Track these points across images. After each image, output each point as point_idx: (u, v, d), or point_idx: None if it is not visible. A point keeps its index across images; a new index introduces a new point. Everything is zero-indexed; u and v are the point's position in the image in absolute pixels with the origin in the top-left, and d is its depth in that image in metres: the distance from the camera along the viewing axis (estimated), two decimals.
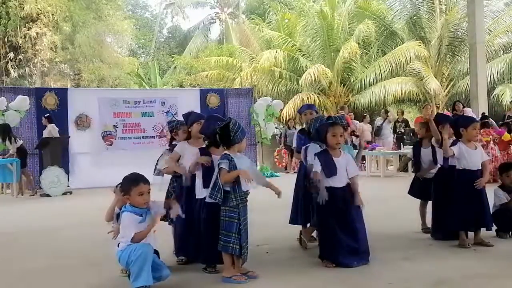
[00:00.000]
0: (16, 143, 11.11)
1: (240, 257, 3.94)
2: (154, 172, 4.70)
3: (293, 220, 5.19)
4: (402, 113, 16.40)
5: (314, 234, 5.15)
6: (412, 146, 5.95)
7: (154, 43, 35.52)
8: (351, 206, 4.32)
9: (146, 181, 3.75)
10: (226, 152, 3.98)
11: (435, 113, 9.47)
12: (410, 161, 12.95)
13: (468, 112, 11.72)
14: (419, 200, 5.72)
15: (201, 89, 15.67)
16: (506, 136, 10.62)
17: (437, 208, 5.19)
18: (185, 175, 4.38)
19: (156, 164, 4.75)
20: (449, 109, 16.24)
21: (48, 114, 11.90)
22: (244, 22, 31.27)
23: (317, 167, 4.30)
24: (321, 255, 4.35)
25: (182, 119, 4.79)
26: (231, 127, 3.98)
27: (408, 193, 5.81)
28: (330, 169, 4.29)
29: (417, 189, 5.67)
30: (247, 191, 4.00)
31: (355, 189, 4.39)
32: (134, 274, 3.55)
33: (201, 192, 4.19)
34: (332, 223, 4.25)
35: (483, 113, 12.48)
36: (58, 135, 11.63)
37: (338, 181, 4.33)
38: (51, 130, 11.55)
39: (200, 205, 4.16)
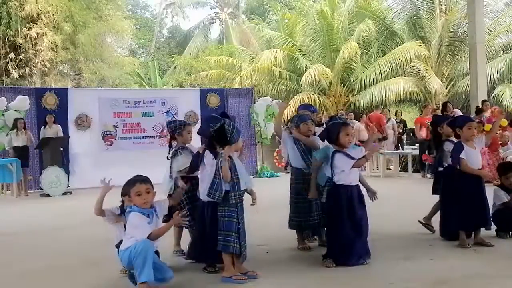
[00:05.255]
0: None
1: (240, 256, 3.95)
2: (170, 175, 4.60)
3: None
4: (400, 113, 16.36)
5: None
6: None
7: (154, 43, 35.53)
8: (360, 204, 4.34)
9: (143, 181, 3.71)
10: None
11: (433, 115, 9.47)
12: (411, 161, 13.08)
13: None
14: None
15: (201, 89, 15.65)
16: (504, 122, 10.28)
17: (442, 208, 5.19)
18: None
19: (171, 167, 4.63)
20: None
21: (53, 114, 11.91)
22: (244, 22, 31.31)
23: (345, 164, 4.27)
24: (329, 255, 4.30)
25: (184, 120, 4.76)
26: (226, 128, 3.95)
27: (433, 193, 5.54)
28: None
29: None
30: (244, 190, 4.01)
31: (364, 181, 4.55)
32: (138, 269, 3.50)
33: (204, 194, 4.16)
34: (345, 224, 4.24)
35: (477, 107, 12.31)
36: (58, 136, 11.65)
37: (355, 179, 4.36)
38: (57, 131, 11.61)
39: (203, 206, 4.12)
